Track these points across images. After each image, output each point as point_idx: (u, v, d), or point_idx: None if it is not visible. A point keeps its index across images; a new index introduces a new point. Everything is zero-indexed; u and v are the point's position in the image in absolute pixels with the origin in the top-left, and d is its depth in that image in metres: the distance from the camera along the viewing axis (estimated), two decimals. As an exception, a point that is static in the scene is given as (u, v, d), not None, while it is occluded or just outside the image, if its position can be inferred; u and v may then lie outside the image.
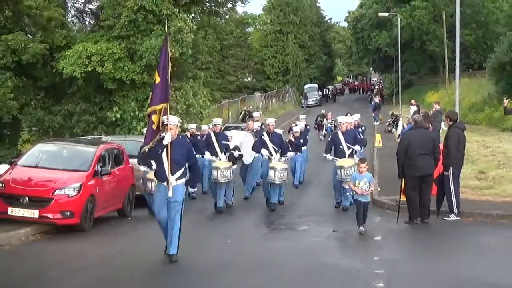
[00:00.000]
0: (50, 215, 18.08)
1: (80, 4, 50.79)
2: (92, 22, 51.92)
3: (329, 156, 19.96)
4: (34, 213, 18.47)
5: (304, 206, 21.89)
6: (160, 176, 13.54)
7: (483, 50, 75.36)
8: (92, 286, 11.95)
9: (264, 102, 78.77)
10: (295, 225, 19.34)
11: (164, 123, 13.30)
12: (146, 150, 13.61)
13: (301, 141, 26.82)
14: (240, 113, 62.07)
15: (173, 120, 13.51)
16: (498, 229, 17.60)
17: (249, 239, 17.78)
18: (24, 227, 18.47)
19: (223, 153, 21.66)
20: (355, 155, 19.31)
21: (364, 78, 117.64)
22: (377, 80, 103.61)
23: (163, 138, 13.22)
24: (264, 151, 20.53)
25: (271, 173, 20.03)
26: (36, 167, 18.95)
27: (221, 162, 21.29)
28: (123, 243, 17.96)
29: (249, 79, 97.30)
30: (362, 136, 24.06)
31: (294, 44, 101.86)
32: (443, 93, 54.76)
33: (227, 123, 38.60)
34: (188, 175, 14.54)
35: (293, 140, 26.05)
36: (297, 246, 16.73)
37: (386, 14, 77.88)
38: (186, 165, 14.17)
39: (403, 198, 19.06)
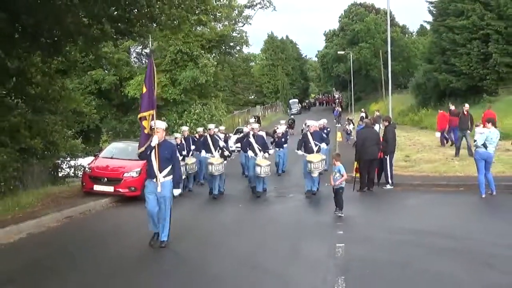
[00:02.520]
0: (121, 190, 18.23)
1: (139, 49, 51.25)
2: (147, 60, 52.07)
3: (300, 152, 18.84)
4: (110, 189, 18.73)
5: (288, 183, 21.82)
6: (150, 173, 11.93)
7: (407, 75, 76.07)
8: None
9: (262, 112, 79.21)
10: (284, 194, 19.36)
11: (152, 127, 11.84)
12: (141, 151, 11.91)
13: (283, 140, 26.04)
14: (255, 118, 62.73)
15: (160, 125, 12.04)
16: (417, 194, 17.79)
17: (252, 205, 17.63)
18: (103, 198, 18.60)
19: (217, 151, 20.17)
20: (320, 152, 18.31)
21: (329, 95, 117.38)
22: (338, 96, 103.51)
23: (151, 141, 11.75)
24: (250, 152, 19.38)
25: (258, 169, 18.60)
26: (111, 158, 19.00)
27: (215, 158, 19.84)
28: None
29: (252, 97, 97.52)
30: (326, 136, 22.98)
31: (282, 73, 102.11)
32: (381, 104, 54.94)
33: (238, 127, 38.61)
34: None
35: (276, 139, 25.82)
36: (286, 208, 16.79)
37: (343, 52, 78.85)
38: (171, 164, 12.22)
39: (357, 175, 19.24)
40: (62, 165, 24.94)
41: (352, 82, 77.71)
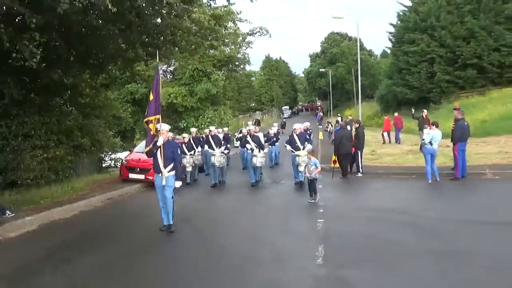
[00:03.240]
0: (150, 177, 17.87)
1: (165, 67, 51.24)
2: (171, 76, 52.45)
3: (288, 147, 18.34)
4: (141, 176, 19.07)
5: (280, 173, 21.68)
6: (157, 168, 11.45)
7: (373, 87, 76.10)
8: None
9: (261, 116, 78.94)
10: (277, 181, 19.43)
11: (158, 130, 11.39)
12: (147, 150, 11.56)
13: (275, 139, 25.76)
14: (253, 121, 62.51)
15: (165, 127, 11.51)
16: (380, 180, 17.88)
17: (250, 191, 17.51)
18: (136, 184, 18.91)
19: (218, 147, 19.54)
20: (305, 148, 17.60)
21: (313, 103, 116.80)
22: (320, 104, 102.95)
23: (157, 141, 11.39)
24: (248, 146, 19.14)
25: (254, 159, 18.41)
26: (142, 152, 18.89)
27: (216, 151, 19.25)
28: (190, 191, 17.93)
29: (253, 104, 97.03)
30: (309, 137, 21.98)
31: (276, 86, 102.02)
32: (354, 110, 54.77)
33: (241, 128, 38.98)
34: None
35: (269, 138, 25.45)
36: (278, 191, 16.90)
37: (324, 70, 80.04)
38: (174, 161, 11.71)
39: (334, 165, 19.48)
40: (105, 158, 25.04)
41: (331, 93, 77.99)
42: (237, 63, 55.59)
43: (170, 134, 14.61)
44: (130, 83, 44.42)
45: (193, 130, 23.09)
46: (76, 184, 17.79)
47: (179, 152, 11.90)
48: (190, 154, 20.63)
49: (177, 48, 20.35)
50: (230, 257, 8.96)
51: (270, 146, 25.18)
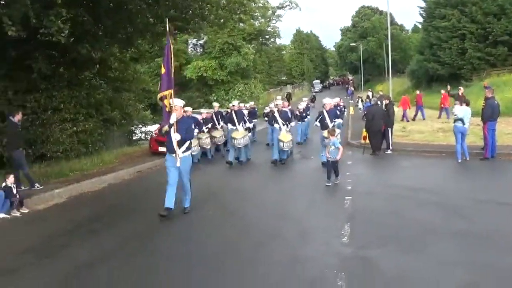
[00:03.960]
0: None
1: (195, 41, 51.24)
2: (201, 50, 52.43)
3: (317, 123, 16.76)
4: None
5: (310, 149, 21.23)
6: (170, 148, 10.15)
7: (404, 63, 74.84)
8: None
9: (292, 90, 78.52)
10: (306, 156, 19.21)
11: (171, 105, 10.08)
12: (166, 130, 10.19)
13: (304, 114, 24.47)
14: (285, 94, 62.31)
15: (178, 102, 10.16)
16: (410, 158, 17.48)
17: (278, 167, 16.82)
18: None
19: (240, 124, 17.96)
20: (335, 127, 16.29)
21: (344, 77, 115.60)
22: (351, 78, 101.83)
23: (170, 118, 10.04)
24: (276, 125, 17.39)
25: (281, 144, 16.70)
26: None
27: (238, 132, 17.65)
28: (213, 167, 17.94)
29: (284, 78, 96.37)
30: (341, 113, 20.98)
31: (307, 59, 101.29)
32: (385, 85, 54.14)
33: (271, 102, 38.61)
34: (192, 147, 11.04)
35: (298, 114, 24.08)
36: (307, 167, 16.66)
37: (354, 44, 78.72)
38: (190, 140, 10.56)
39: (365, 141, 19.17)
40: (135, 131, 25.23)
41: (362, 68, 77.10)
42: (267, 36, 55.57)
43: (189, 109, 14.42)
44: (160, 56, 43.88)
45: (216, 104, 21.76)
46: (106, 157, 17.90)
47: (192, 128, 10.75)
48: (208, 131, 19.46)
49: (205, 22, 20.17)
50: (256, 233, 8.87)
51: (299, 122, 23.96)
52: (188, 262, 7.47)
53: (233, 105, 19.28)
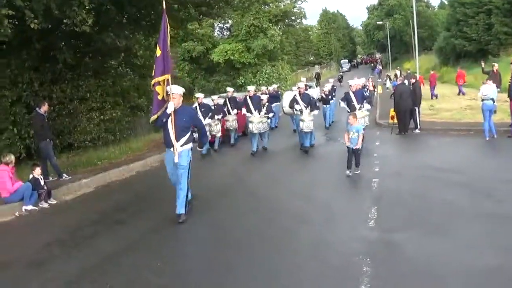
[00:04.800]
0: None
1: (221, 24, 51.08)
2: (227, 33, 52.26)
3: (342, 104, 15.98)
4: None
5: (337, 129, 20.90)
6: (167, 142, 8.98)
7: (431, 40, 73.79)
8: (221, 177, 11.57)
9: (320, 70, 78.04)
10: (333, 139, 18.87)
11: (168, 93, 8.90)
12: (154, 119, 9.06)
13: (329, 97, 22.77)
14: (314, 75, 61.83)
15: (176, 90, 8.87)
16: (438, 136, 17.17)
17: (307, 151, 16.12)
18: (194, 143, 18.61)
19: (256, 111, 16.52)
20: (362, 109, 15.42)
21: (371, 56, 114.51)
22: (379, 56, 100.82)
23: (167, 107, 8.75)
24: (297, 106, 15.82)
25: (301, 124, 15.54)
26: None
27: (255, 117, 16.37)
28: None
29: (311, 58, 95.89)
30: (367, 94, 19.94)
31: (334, 39, 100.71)
32: (413, 63, 53.29)
33: (305, 83, 38.21)
34: (195, 137, 9.79)
35: (324, 96, 22.74)
36: (334, 149, 16.29)
37: (381, 22, 77.76)
38: (189, 132, 9.18)
39: (393, 121, 18.98)
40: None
41: (389, 46, 75.96)
42: (293, 17, 55.08)
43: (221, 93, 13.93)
44: (187, 41, 44.27)
45: (230, 89, 20.01)
46: (134, 144, 17.90)
47: (199, 118, 9.85)
48: (218, 119, 17.90)
49: (229, 6, 19.99)
50: (283, 218, 8.79)
51: (324, 106, 22.38)
52: (216, 249, 7.43)
53: (248, 91, 17.76)
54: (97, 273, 6.74)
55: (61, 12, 12.23)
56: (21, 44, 14.76)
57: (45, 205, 10.82)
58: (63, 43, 15.50)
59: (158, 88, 8.95)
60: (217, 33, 53.70)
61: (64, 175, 12.78)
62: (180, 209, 8.85)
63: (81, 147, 16.36)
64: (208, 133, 16.03)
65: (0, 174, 10.53)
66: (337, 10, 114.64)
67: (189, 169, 9.10)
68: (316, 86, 41.92)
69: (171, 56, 9.46)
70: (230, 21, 48.99)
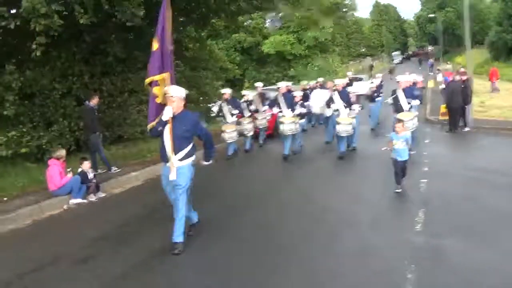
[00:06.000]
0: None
1: (273, 15, 50.96)
2: (278, 24, 52.12)
3: (389, 100, 13.96)
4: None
5: (385, 125, 19.97)
6: (163, 156, 7.22)
7: (482, 34, 72.13)
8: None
9: (371, 62, 77.24)
10: (380, 134, 18.12)
11: (166, 95, 7.10)
12: (151, 127, 7.23)
13: (375, 94, 19.78)
14: (368, 66, 61.19)
15: (176, 92, 7.05)
16: (488, 135, 16.61)
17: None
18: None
19: (289, 110, 14.33)
20: (412, 109, 13.61)
21: (423, 48, 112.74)
22: (431, 49, 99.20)
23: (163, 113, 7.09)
24: (333, 106, 14.08)
25: (338, 127, 13.64)
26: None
27: (287, 117, 14.27)
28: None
29: (363, 50, 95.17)
30: (418, 92, 15.63)
31: (386, 31, 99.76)
32: (464, 57, 52.43)
33: (352, 75, 37.44)
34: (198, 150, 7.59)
35: (370, 93, 19.97)
36: (381, 151, 15.72)
37: (433, 15, 76.38)
38: (191, 144, 7.26)
39: (443, 117, 18.61)
40: (212, 109, 25.25)
41: (442, 39, 74.74)
42: (344, 10, 54.77)
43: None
44: (237, 33, 44.20)
45: (259, 84, 18.00)
46: (183, 136, 17.76)
47: (203, 127, 7.71)
48: (249, 116, 16.18)
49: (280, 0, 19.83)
50: (330, 220, 8.50)
51: (371, 104, 19.93)
52: (260, 249, 7.24)
53: (279, 88, 15.39)
54: (144, 270, 6.59)
55: (111, 6, 12.16)
56: (72, 37, 14.80)
57: (94, 198, 10.79)
58: (113, 36, 15.48)
59: (155, 90, 7.24)
60: (269, 24, 53.78)
61: (113, 168, 12.73)
62: (177, 237, 7.15)
63: (131, 140, 16.37)
64: (235, 133, 15.17)
65: (50, 169, 10.54)
66: (389, 3, 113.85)
67: (188, 188, 7.29)
68: (369, 78, 41.02)
69: (172, 51, 7.56)
70: (281, 12, 49.03)
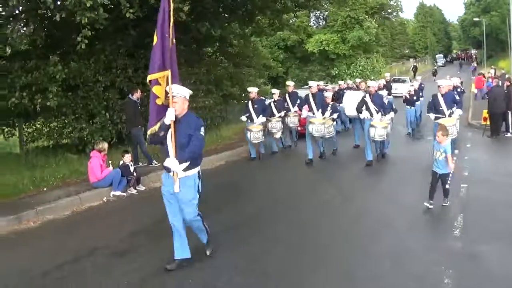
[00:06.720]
0: (299, 128, 16.14)
1: (318, 14, 50.67)
2: (322, 23, 51.82)
3: (431, 116, 13.05)
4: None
5: (424, 127, 19.77)
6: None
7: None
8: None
9: (415, 63, 76.26)
10: (418, 137, 17.86)
11: (168, 95, 6.01)
12: (151, 133, 6.11)
13: (414, 98, 18.57)
14: (412, 68, 60.24)
15: (179, 91, 5.96)
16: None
17: (393, 145, 15.01)
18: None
19: (319, 111, 13.55)
20: (453, 114, 12.79)
21: (466, 52, 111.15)
22: (474, 53, 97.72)
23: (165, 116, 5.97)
24: (365, 113, 13.18)
25: (372, 130, 12.77)
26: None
27: (316, 118, 13.44)
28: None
29: (406, 51, 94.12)
30: (459, 97, 15.11)
31: (430, 33, 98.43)
32: (508, 61, 51.30)
33: (394, 77, 36.68)
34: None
35: (408, 97, 18.61)
36: (423, 150, 15.05)
37: (477, 19, 75.07)
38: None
39: (485, 123, 18.11)
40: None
41: (485, 43, 73.38)
42: (389, 10, 54.20)
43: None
44: (281, 31, 44.06)
45: (290, 83, 16.64)
46: (225, 132, 17.78)
47: (200, 131, 6.02)
48: (279, 116, 15.07)
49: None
50: (368, 221, 8.37)
51: (408, 107, 18.65)
52: (301, 249, 7.12)
53: (310, 87, 14.57)
54: (180, 267, 6.41)
55: (157, 0, 12.10)
56: (116, 31, 14.82)
57: (134, 191, 10.76)
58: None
59: (156, 89, 6.15)
60: (313, 23, 53.57)
61: (154, 161, 12.66)
62: (183, 253, 6.41)
63: (173, 134, 16.35)
64: (261, 133, 14.35)
65: (92, 160, 10.51)
66: (434, 4, 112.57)
67: (196, 198, 6.24)
68: (411, 80, 40.16)
69: (174, 44, 6.50)
70: (326, 11, 48.73)
